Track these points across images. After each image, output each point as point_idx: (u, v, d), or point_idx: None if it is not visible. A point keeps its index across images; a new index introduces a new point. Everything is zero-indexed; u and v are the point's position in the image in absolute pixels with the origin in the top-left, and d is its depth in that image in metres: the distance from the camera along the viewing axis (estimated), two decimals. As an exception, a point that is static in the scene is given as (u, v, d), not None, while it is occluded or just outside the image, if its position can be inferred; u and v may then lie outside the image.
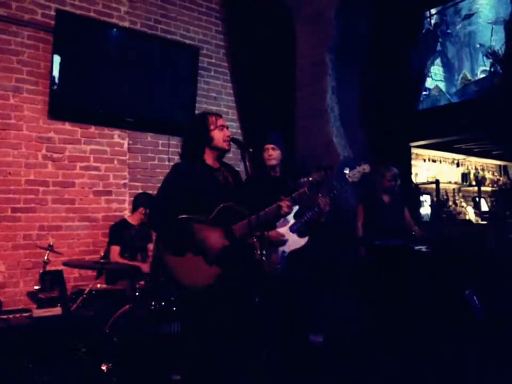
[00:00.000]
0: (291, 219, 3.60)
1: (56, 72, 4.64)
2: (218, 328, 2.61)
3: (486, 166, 8.32)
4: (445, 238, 5.10)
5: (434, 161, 7.47)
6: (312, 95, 5.24)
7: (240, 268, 2.69)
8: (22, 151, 4.62)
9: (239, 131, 6.27)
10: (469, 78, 6.22)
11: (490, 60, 5.87)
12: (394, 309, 4.16)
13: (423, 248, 4.87)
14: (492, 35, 5.99)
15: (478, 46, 6.23)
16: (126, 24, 5.35)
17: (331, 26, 5.11)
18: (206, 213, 2.64)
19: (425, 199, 7.06)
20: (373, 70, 5.40)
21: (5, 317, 3.29)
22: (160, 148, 5.55)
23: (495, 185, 8.13)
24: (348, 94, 5.33)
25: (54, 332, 3.13)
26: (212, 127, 2.76)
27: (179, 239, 2.62)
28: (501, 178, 8.36)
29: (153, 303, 3.54)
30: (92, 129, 5.05)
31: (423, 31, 6.30)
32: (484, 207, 7.77)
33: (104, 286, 4.01)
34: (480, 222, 7.23)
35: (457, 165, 7.82)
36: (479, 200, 7.74)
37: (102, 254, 4.29)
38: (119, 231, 4.48)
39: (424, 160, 7.35)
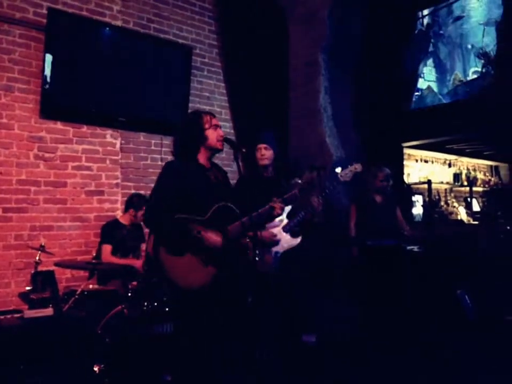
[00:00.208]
0: (284, 219, 3.60)
1: (48, 71, 4.61)
2: (211, 328, 2.61)
3: (478, 167, 8.37)
4: (436, 238, 5.12)
5: (426, 161, 7.51)
6: (305, 95, 5.25)
7: (234, 269, 2.69)
8: (14, 151, 4.59)
9: (232, 131, 6.26)
10: (461, 78, 6.26)
11: (482, 61, 5.91)
12: (386, 309, 4.18)
13: (415, 248, 4.90)
14: (483, 36, 6.03)
15: (469, 47, 6.27)
16: (119, 23, 5.33)
17: (324, 26, 5.12)
18: (199, 212, 2.64)
19: (417, 199, 7.09)
20: (366, 70, 5.41)
21: (-4, 317, 3.27)
22: (152, 147, 5.53)
23: (486, 186, 8.19)
24: (341, 94, 5.34)
25: (45, 333, 3.11)
26: (207, 126, 2.76)
27: (176, 239, 2.61)
28: (492, 179, 8.42)
29: (145, 303, 3.53)
30: (84, 128, 5.03)
31: (416, 31, 6.33)
32: (476, 207, 7.82)
33: (96, 286, 3.99)
34: (471, 222, 7.28)
35: (449, 165, 7.86)
36: (471, 200, 7.79)
37: (94, 254, 4.27)
38: (110, 231, 4.46)
39: (416, 161, 7.38)
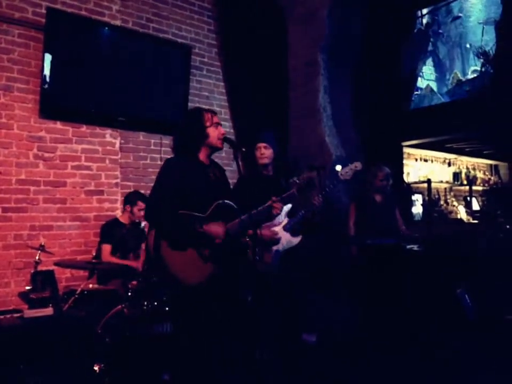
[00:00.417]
0: (284, 218, 3.60)
1: (47, 71, 4.61)
2: (210, 326, 2.61)
3: (477, 166, 8.37)
4: (436, 237, 5.12)
5: (426, 160, 7.51)
6: (305, 94, 5.25)
7: (233, 266, 2.70)
8: (13, 150, 4.58)
9: (232, 130, 6.26)
10: (460, 77, 6.26)
11: (481, 60, 5.91)
12: (386, 308, 4.17)
13: (415, 247, 4.90)
14: (482, 35, 6.03)
15: (469, 46, 6.27)
16: (118, 22, 5.33)
17: (323, 26, 5.12)
18: (199, 209, 2.64)
19: (417, 198, 7.09)
20: (365, 69, 5.41)
21: (-4, 317, 3.27)
22: (152, 147, 5.53)
23: (486, 185, 8.19)
24: (341, 94, 5.34)
25: (45, 333, 3.11)
26: (208, 123, 2.77)
27: (177, 233, 2.61)
28: (492, 178, 8.42)
29: (145, 303, 3.53)
30: (84, 128, 5.03)
31: (415, 31, 6.33)
32: (475, 206, 7.82)
33: (96, 286, 3.99)
34: (471, 221, 7.28)
35: (449, 164, 7.86)
36: (471, 199, 7.79)
37: (94, 254, 4.27)
38: (110, 230, 4.46)
39: (416, 160, 7.38)
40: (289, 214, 3.61)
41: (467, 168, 8.08)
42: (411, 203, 6.85)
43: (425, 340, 4.03)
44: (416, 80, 6.35)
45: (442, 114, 5.75)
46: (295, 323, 3.75)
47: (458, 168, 7.94)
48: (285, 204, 3.01)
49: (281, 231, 3.58)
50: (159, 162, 5.47)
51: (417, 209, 7.01)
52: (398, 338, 3.99)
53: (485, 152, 7.85)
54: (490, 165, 8.61)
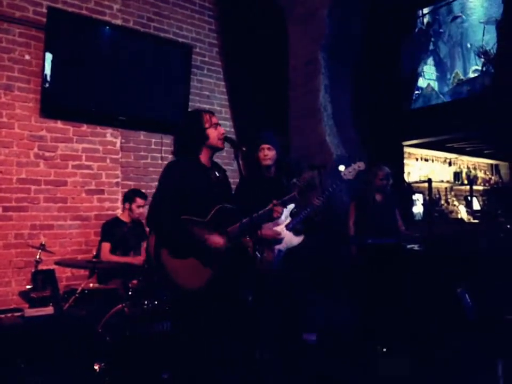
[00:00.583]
0: (287, 218, 3.61)
1: (48, 70, 4.61)
2: (210, 327, 2.61)
3: (478, 165, 8.37)
4: (436, 236, 5.12)
5: (426, 160, 7.50)
6: (305, 94, 5.25)
7: (234, 269, 2.70)
8: (14, 150, 4.59)
9: (232, 130, 6.26)
10: (461, 77, 6.25)
11: (482, 60, 5.90)
12: (386, 308, 4.17)
13: (415, 247, 4.89)
14: (483, 35, 6.02)
15: (470, 45, 6.26)
16: (119, 22, 5.33)
17: (324, 25, 5.11)
18: (200, 212, 2.64)
19: (418, 198, 7.09)
20: (366, 68, 5.41)
21: (-3, 316, 3.27)
22: (153, 146, 5.53)
23: (487, 184, 8.19)
24: (341, 93, 5.34)
25: (46, 332, 3.11)
26: (207, 125, 2.76)
27: (179, 240, 2.61)
28: (493, 177, 8.42)
29: (146, 302, 3.54)
30: (84, 127, 5.03)
31: (416, 30, 6.33)
32: (476, 206, 7.82)
33: (96, 285, 3.99)
34: (472, 220, 7.27)
35: (450, 164, 7.86)
36: (471, 199, 7.78)
37: (95, 253, 4.27)
38: (110, 229, 4.46)
39: (417, 159, 7.38)
40: (291, 214, 3.62)
41: (468, 167, 8.08)
42: (412, 203, 6.85)
43: (425, 340, 4.03)
44: (417, 79, 6.35)
45: (443, 114, 5.75)
46: (295, 323, 3.76)
47: (459, 167, 7.94)
48: (286, 206, 3.02)
49: (283, 231, 3.60)
50: (159, 162, 5.48)
51: (418, 208, 7.01)
52: (397, 338, 3.99)
53: (485, 151, 7.84)
54: (491, 165, 8.61)
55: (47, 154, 4.77)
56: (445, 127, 5.73)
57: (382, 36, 5.45)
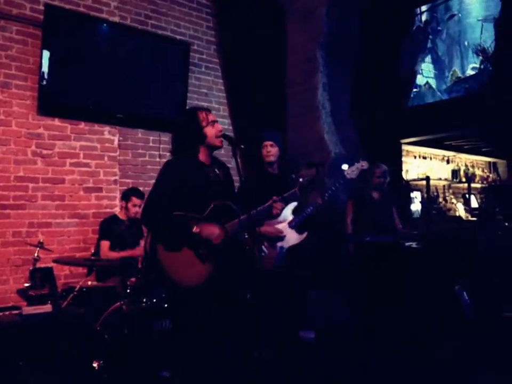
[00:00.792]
0: (290, 215, 3.63)
1: (45, 68, 4.59)
2: (209, 325, 2.61)
3: (476, 163, 8.38)
4: (435, 234, 5.13)
5: (424, 158, 7.51)
6: (304, 92, 5.24)
7: (232, 266, 2.69)
8: (11, 147, 4.57)
9: (230, 127, 6.25)
10: (459, 75, 6.25)
11: (480, 57, 5.90)
12: (384, 306, 4.18)
13: (413, 245, 4.90)
14: (481, 32, 6.01)
15: (468, 43, 6.26)
16: (116, 19, 5.31)
17: (322, 23, 5.11)
18: (198, 210, 2.63)
19: (416, 195, 7.10)
20: (364, 67, 5.41)
21: (-5, 314, 3.26)
22: (151, 144, 5.52)
23: (484, 182, 8.20)
24: (339, 91, 5.34)
25: (44, 330, 3.10)
26: (204, 123, 2.74)
27: (173, 235, 2.60)
28: (491, 175, 8.43)
29: (144, 300, 3.53)
30: (82, 125, 5.02)
31: (414, 28, 6.32)
32: (474, 203, 7.83)
33: (94, 283, 3.99)
34: (470, 218, 7.28)
35: (448, 161, 7.87)
36: (469, 196, 7.80)
37: (93, 251, 4.27)
38: (108, 226, 4.46)
39: (415, 157, 7.38)
40: (294, 212, 3.64)
41: (466, 165, 8.09)
42: (410, 200, 6.86)
43: (423, 338, 4.03)
44: (415, 77, 6.35)
45: (441, 112, 5.75)
46: (295, 322, 3.77)
47: (457, 165, 7.95)
48: (287, 203, 3.01)
49: (286, 228, 3.62)
50: (157, 159, 5.47)
51: (416, 206, 7.02)
52: (396, 336, 4.00)
53: (483, 149, 7.86)
54: (489, 163, 8.62)
55: (44, 152, 4.76)
56: (443, 125, 5.74)
57: (380, 34, 5.45)
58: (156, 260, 2.59)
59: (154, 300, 3.54)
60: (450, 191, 7.95)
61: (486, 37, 5.87)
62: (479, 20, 6.06)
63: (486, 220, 6.37)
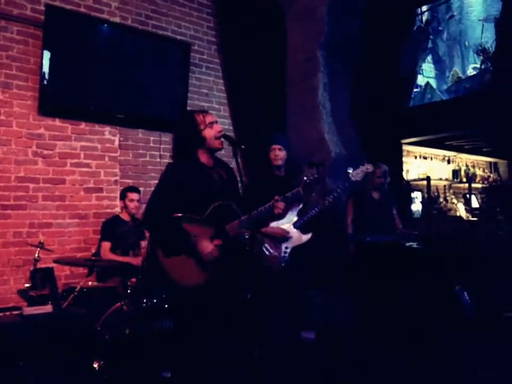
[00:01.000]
0: (295, 216, 3.66)
1: (46, 68, 4.60)
2: (209, 327, 2.61)
3: (477, 163, 8.38)
4: (435, 234, 5.12)
5: (425, 158, 7.51)
6: (304, 91, 5.24)
7: (232, 266, 2.69)
8: (12, 148, 4.58)
9: (231, 128, 6.25)
10: (460, 75, 6.25)
11: (481, 57, 5.90)
12: (384, 306, 4.17)
13: (414, 245, 4.89)
14: (482, 32, 6.02)
15: (468, 43, 6.26)
16: (117, 19, 5.31)
17: (323, 23, 5.10)
18: (199, 211, 2.63)
19: (416, 195, 7.10)
20: (365, 66, 5.40)
21: (-5, 315, 3.26)
22: (151, 144, 5.52)
23: (485, 182, 8.19)
24: (340, 91, 5.33)
25: (44, 330, 3.10)
26: (202, 126, 2.71)
27: (171, 239, 2.61)
28: (491, 175, 8.42)
29: (145, 300, 3.53)
30: (83, 125, 5.02)
31: (415, 28, 6.32)
32: (475, 203, 7.82)
33: (95, 283, 3.98)
34: (470, 218, 7.28)
35: (448, 161, 7.86)
36: (470, 196, 7.79)
37: (94, 251, 4.27)
38: (110, 227, 4.46)
39: (415, 157, 7.38)
40: (299, 212, 3.67)
41: (466, 165, 8.08)
42: (410, 200, 6.86)
43: (424, 338, 4.03)
44: (415, 77, 6.35)
45: (441, 112, 5.75)
46: (296, 322, 3.78)
47: (458, 165, 7.95)
48: (288, 203, 3.01)
49: (291, 229, 3.66)
50: (158, 160, 5.47)
51: (417, 206, 7.02)
52: (396, 336, 3.99)
53: (484, 149, 7.85)
54: (490, 163, 8.61)
55: (45, 152, 4.76)
56: (444, 125, 5.73)
57: (380, 34, 5.44)
58: (157, 260, 2.60)
59: (155, 300, 3.54)
60: (451, 191, 7.95)
61: (486, 37, 5.88)
62: (479, 20, 6.06)
63: (487, 220, 6.37)
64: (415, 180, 7.13)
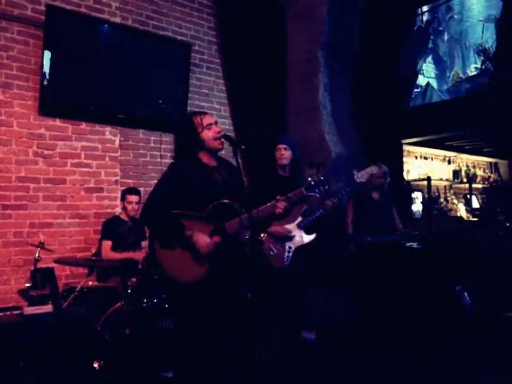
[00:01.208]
0: (299, 216, 3.70)
1: (46, 68, 4.60)
2: (209, 326, 2.61)
3: (477, 163, 8.37)
4: (436, 234, 5.12)
5: (426, 158, 7.50)
6: (304, 91, 5.24)
7: (230, 265, 2.69)
8: (13, 148, 4.58)
9: (231, 128, 6.25)
10: (460, 75, 6.24)
11: (482, 58, 5.90)
12: (385, 306, 4.17)
13: (414, 245, 4.89)
14: (483, 33, 6.01)
15: (469, 43, 6.26)
16: (117, 20, 5.32)
17: (323, 23, 5.11)
18: (200, 210, 2.65)
19: (417, 196, 7.09)
20: (365, 66, 5.40)
21: (-4, 314, 3.27)
22: (152, 144, 5.52)
23: (486, 182, 8.18)
24: (340, 91, 5.33)
25: (45, 330, 3.11)
26: (200, 129, 2.74)
27: (169, 235, 2.64)
28: (492, 176, 8.41)
29: (145, 300, 3.54)
30: (83, 125, 5.02)
31: (415, 28, 6.32)
32: (475, 204, 7.82)
33: (95, 283, 3.99)
34: (471, 219, 7.27)
35: (449, 162, 7.86)
36: (470, 197, 7.78)
37: (94, 251, 4.27)
38: (111, 227, 4.48)
39: (416, 157, 7.37)
40: (303, 213, 3.70)
41: (467, 166, 8.08)
42: (411, 201, 6.85)
43: (424, 338, 4.03)
44: (416, 77, 6.34)
45: (442, 112, 5.74)
46: (297, 322, 3.80)
47: (458, 166, 7.94)
48: (290, 202, 3.01)
49: (295, 229, 3.69)
50: (158, 160, 5.47)
51: (417, 207, 7.02)
52: (396, 336, 3.99)
53: (484, 149, 7.84)
54: (490, 163, 8.60)
55: (46, 152, 4.77)
56: (444, 125, 5.73)
57: (380, 34, 5.44)
58: (155, 258, 2.64)
59: (155, 300, 3.55)
60: (452, 191, 7.94)
61: (487, 37, 5.87)
62: (480, 20, 6.06)
63: (487, 220, 6.36)
64: (415, 180, 7.12)
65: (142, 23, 5.51)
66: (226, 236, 2.66)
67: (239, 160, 2.69)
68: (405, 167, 6.80)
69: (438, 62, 6.58)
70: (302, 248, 3.71)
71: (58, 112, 4.84)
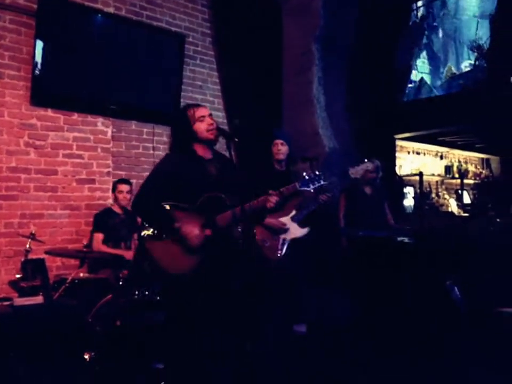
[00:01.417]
0: (294, 209, 3.73)
1: (38, 58, 4.55)
2: (200, 318, 2.62)
3: (469, 159, 8.41)
4: (427, 230, 5.14)
5: (418, 153, 7.53)
6: (299, 85, 5.23)
7: (221, 257, 2.69)
8: (4, 138, 4.54)
9: (225, 121, 6.23)
10: (454, 71, 6.27)
11: (475, 54, 5.92)
12: (376, 301, 4.19)
13: (406, 240, 4.91)
14: (477, 29, 6.03)
15: (463, 39, 6.28)
16: (111, 9, 5.26)
17: (318, 16, 5.09)
18: (192, 202, 2.65)
19: (409, 191, 7.13)
20: (360, 61, 5.40)
21: (-14, 305, 3.25)
22: (144, 136, 5.49)
23: (477, 178, 8.24)
24: (334, 85, 5.33)
25: (35, 321, 3.10)
26: (192, 121, 2.75)
27: (160, 226, 2.65)
28: (484, 171, 8.47)
29: (136, 292, 3.53)
30: (75, 116, 4.98)
31: (410, 23, 6.32)
32: (467, 199, 7.87)
33: (86, 275, 3.97)
34: (462, 214, 7.32)
35: (441, 157, 7.89)
36: (462, 192, 7.84)
37: (85, 243, 4.25)
38: (103, 219, 4.46)
39: (408, 153, 7.40)
40: (298, 206, 3.73)
41: (459, 161, 8.12)
42: (403, 196, 6.88)
43: (415, 333, 4.05)
44: (410, 72, 6.36)
45: (435, 107, 5.76)
46: (290, 315, 3.82)
47: (450, 161, 7.98)
48: (283, 197, 3.01)
49: (289, 221, 3.76)
50: (151, 152, 5.44)
51: (409, 202, 7.05)
52: (393, 333, 4.00)
53: (477, 145, 7.89)
54: (482, 159, 8.66)
55: (37, 142, 4.73)
56: (437, 120, 5.75)
57: (376, 29, 5.44)
58: (145, 249, 2.66)
59: (146, 292, 3.53)
60: (443, 186, 7.99)
61: (481, 34, 5.89)
62: (474, 17, 6.08)
63: (478, 216, 6.40)
64: (407, 175, 7.16)
65: (135, 13, 5.46)
66: (217, 228, 2.66)
67: (232, 153, 2.69)
68: (398, 162, 6.83)
69: (432, 57, 6.60)
70: (297, 241, 3.74)
71: (50, 102, 4.79)
